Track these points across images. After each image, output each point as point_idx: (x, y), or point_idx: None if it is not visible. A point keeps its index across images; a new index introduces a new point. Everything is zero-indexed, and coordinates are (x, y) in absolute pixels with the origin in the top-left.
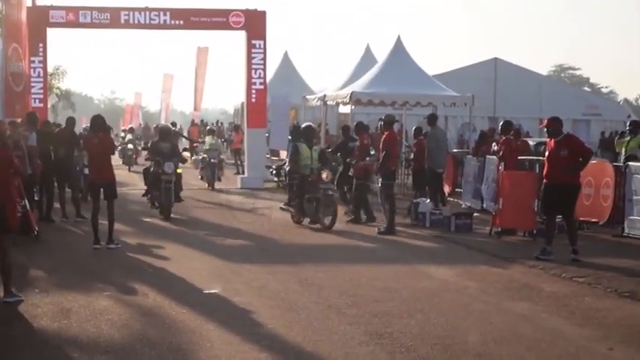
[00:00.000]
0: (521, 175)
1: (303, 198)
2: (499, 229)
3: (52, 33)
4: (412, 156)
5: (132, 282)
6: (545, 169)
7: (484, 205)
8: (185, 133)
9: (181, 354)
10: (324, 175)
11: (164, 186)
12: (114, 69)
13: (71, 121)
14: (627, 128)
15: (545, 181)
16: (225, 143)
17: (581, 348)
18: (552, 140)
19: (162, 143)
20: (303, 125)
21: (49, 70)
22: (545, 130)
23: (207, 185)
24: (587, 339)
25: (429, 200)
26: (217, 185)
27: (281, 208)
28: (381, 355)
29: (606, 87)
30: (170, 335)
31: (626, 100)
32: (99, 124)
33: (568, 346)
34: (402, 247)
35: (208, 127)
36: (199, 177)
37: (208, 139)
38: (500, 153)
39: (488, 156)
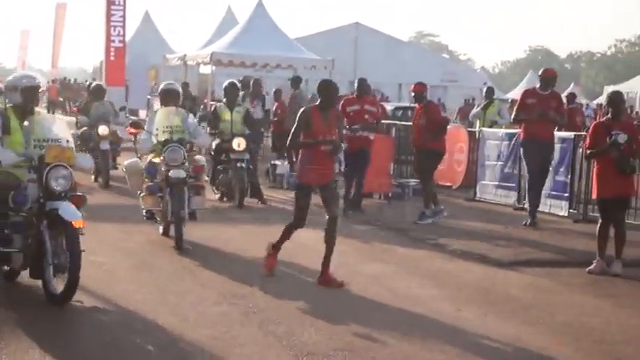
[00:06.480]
0: (378, 139)
1: (215, 169)
2: None
3: None
4: (274, 118)
5: None
6: (413, 135)
7: (341, 168)
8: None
9: (30, 315)
10: (235, 143)
11: None
12: None
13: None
14: (484, 95)
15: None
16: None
17: (431, 309)
18: (418, 106)
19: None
20: (226, 83)
21: None
22: (412, 94)
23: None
24: (436, 300)
25: (287, 162)
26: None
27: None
28: (234, 315)
29: (464, 54)
30: (17, 295)
31: (483, 68)
32: None
33: (417, 307)
34: (259, 208)
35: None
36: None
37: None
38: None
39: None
